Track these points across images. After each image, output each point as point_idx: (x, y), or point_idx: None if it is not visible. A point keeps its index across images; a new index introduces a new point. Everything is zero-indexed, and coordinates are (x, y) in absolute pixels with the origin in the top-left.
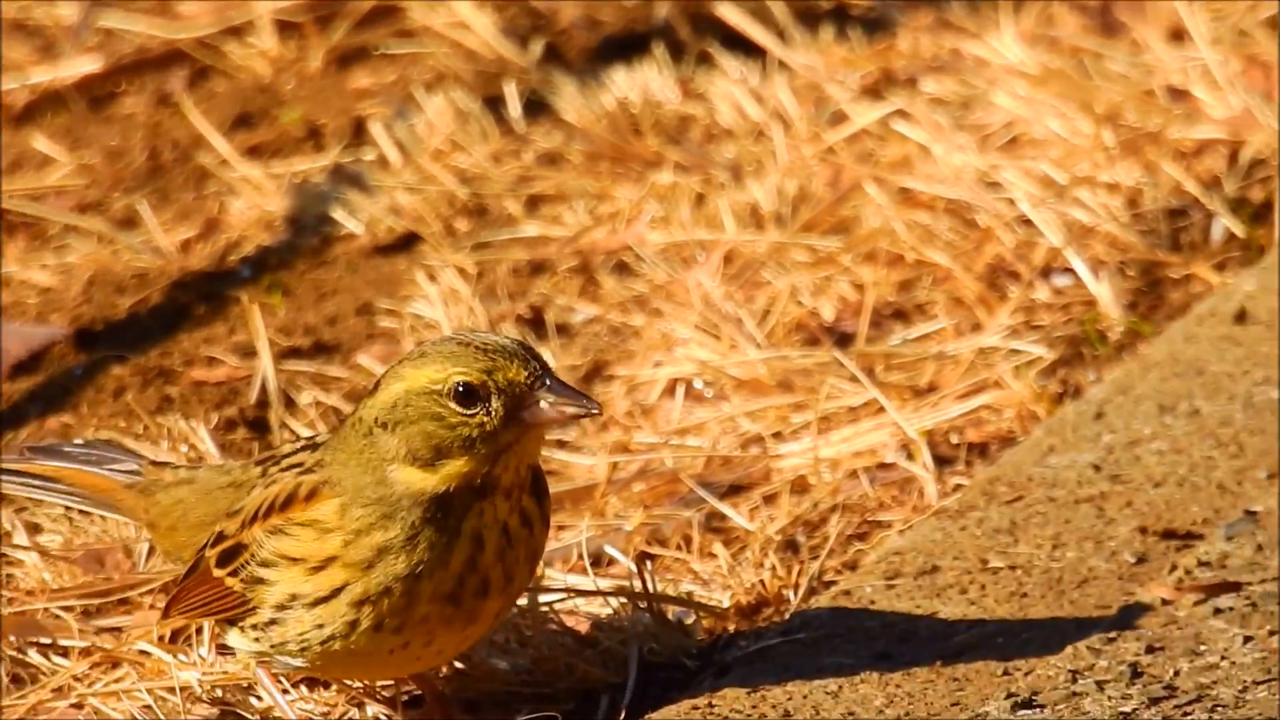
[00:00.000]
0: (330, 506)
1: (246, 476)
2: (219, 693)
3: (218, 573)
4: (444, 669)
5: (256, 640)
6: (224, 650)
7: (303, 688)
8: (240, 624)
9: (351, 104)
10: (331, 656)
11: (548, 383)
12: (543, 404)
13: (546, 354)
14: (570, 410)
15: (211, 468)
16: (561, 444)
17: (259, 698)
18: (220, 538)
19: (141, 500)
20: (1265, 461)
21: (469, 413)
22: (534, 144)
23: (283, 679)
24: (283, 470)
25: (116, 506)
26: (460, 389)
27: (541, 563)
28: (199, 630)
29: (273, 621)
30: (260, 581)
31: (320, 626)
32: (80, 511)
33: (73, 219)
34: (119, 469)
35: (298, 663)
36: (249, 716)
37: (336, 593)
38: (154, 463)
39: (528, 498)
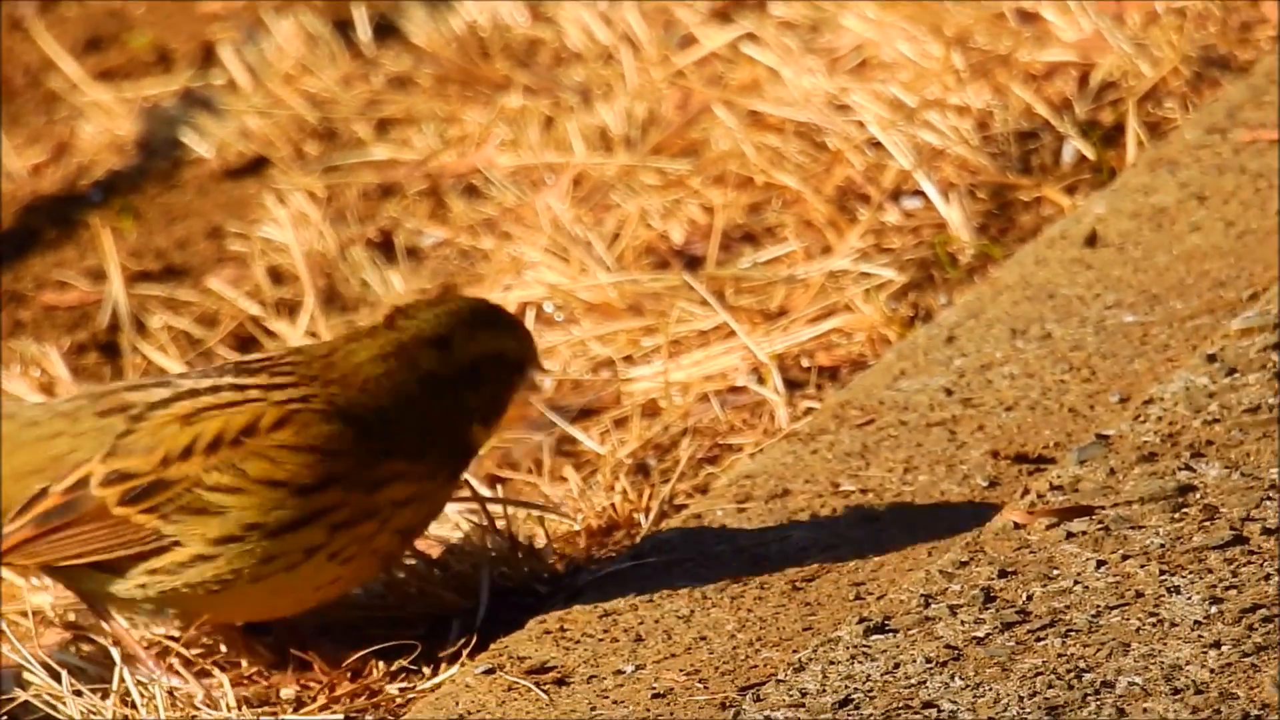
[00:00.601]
0: (330, 429)
1: (97, 424)
2: (72, 616)
3: (120, 510)
4: None
5: (143, 587)
6: None
7: None
8: (132, 565)
9: (201, 28)
10: (235, 590)
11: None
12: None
13: (396, 278)
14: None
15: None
16: None
17: None
18: (122, 476)
19: None
20: (1117, 385)
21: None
22: (383, 67)
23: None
24: (206, 409)
25: None
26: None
27: None
28: None
29: (200, 557)
30: (200, 513)
31: (271, 559)
32: None
33: None
34: None
35: (170, 610)
36: (101, 640)
37: (319, 515)
38: None
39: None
